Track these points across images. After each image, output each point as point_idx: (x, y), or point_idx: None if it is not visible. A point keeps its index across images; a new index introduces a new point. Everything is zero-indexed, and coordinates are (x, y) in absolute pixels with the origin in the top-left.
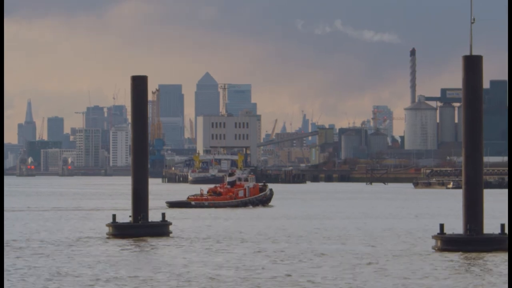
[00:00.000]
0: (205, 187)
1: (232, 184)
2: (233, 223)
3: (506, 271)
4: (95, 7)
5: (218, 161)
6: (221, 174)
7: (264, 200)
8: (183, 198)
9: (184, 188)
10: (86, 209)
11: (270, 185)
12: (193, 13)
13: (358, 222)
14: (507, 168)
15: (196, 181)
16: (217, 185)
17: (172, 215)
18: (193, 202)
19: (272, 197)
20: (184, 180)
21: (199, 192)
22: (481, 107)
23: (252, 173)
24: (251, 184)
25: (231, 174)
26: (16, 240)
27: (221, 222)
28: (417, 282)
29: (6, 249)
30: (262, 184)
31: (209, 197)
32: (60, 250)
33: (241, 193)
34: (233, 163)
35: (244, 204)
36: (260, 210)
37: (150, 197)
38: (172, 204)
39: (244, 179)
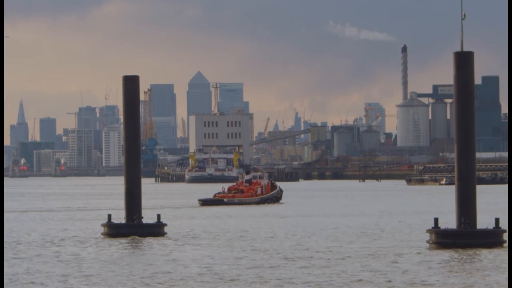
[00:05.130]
0: (205, 187)
1: (250, 181)
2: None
3: (502, 265)
4: (79, 7)
5: (214, 160)
6: (218, 173)
7: (278, 197)
8: (199, 197)
9: (184, 187)
10: (80, 209)
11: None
12: (179, 13)
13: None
14: (499, 164)
15: (193, 180)
16: (233, 183)
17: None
18: (225, 200)
19: (282, 194)
20: (178, 179)
21: (220, 190)
22: (473, 103)
23: (265, 171)
24: (265, 181)
25: (247, 172)
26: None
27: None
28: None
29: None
30: (270, 182)
31: (235, 194)
32: (52, 251)
33: (259, 191)
34: (229, 162)
35: (264, 201)
36: (284, 207)
37: (176, 195)
38: (205, 202)
39: (260, 176)
